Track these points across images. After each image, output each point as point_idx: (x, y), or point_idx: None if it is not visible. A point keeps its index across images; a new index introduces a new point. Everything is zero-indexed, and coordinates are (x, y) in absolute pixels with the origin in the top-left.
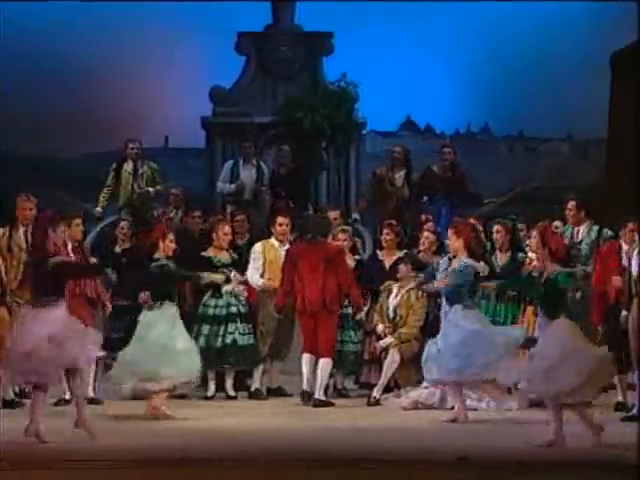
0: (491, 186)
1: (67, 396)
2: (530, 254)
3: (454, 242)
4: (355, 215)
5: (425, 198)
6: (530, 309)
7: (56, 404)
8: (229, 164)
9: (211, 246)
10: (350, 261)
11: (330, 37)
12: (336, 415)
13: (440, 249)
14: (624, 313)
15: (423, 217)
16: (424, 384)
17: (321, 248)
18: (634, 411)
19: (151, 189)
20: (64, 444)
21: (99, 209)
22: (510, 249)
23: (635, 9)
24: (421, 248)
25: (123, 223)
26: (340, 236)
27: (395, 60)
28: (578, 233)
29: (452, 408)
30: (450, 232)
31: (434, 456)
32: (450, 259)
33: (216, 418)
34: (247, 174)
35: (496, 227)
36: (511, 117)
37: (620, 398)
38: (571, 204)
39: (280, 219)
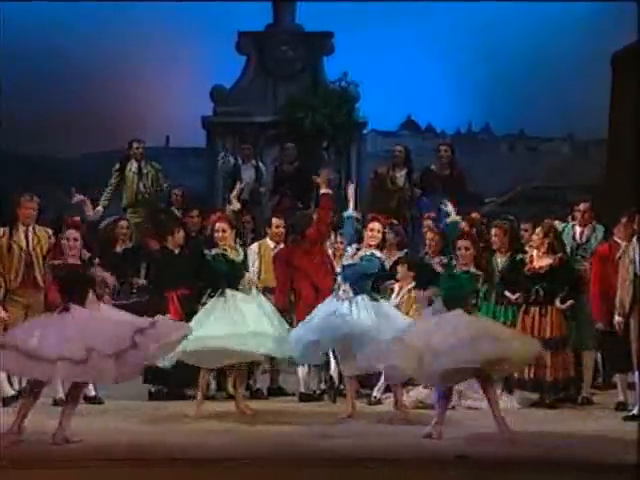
0: (491, 185)
1: (62, 395)
2: (531, 251)
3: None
4: (356, 215)
5: (418, 192)
6: (534, 309)
7: (55, 404)
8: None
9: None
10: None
11: (331, 37)
12: (335, 414)
13: (446, 249)
14: (617, 318)
15: (425, 215)
16: None
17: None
18: (634, 411)
19: (165, 185)
20: (64, 443)
21: (100, 209)
22: (510, 250)
23: (635, 9)
24: (427, 250)
25: (123, 222)
26: (339, 237)
27: (396, 60)
28: (582, 234)
29: (453, 408)
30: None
31: (433, 455)
32: (358, 249)
33: (217, 417)
34: (246, 174)
35: (493, 230)
36: (512, 117)
37: (621, 398)
38: (584, 205)
39: (275, 221)
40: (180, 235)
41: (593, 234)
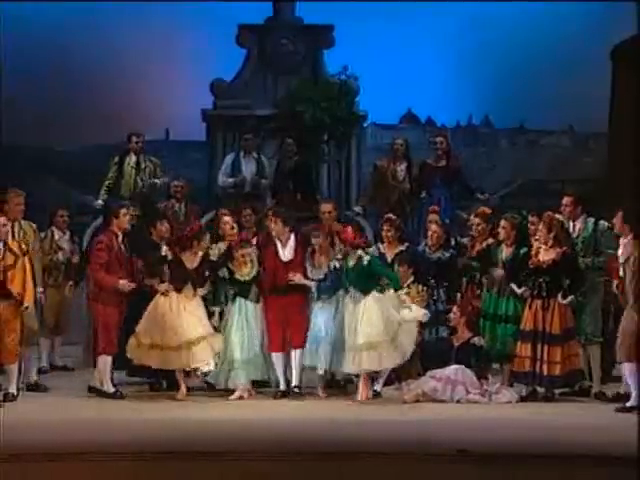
0: (492, 179)
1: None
2: (537, 244)
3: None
4: (357, 208)
5: (423, 194)
6: (538, 302)
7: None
8: (230, 157)
9: (220, 240)
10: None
11: (331, 30)
12: (338, 408)
13: (447, 242)
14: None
15: (430, 208)
16: (425, 377)
17: None
18: (631, 402)
19: (158, 180)
20: (65, 436)
21: (100, 201)
22: (515, 244)
23: (634, 8)
24: (428, 243)
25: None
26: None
27: (396, 53)
28: (574, 228)
29: (458, 401)
30: None
31: (435, 449)
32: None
33: (217, 411)
34: (248, 167)
35: (502, 222)
36: (512, 110)
37: (620, 389)
38: (567, 199)
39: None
40: (164, 228)
41: (585, 228)
